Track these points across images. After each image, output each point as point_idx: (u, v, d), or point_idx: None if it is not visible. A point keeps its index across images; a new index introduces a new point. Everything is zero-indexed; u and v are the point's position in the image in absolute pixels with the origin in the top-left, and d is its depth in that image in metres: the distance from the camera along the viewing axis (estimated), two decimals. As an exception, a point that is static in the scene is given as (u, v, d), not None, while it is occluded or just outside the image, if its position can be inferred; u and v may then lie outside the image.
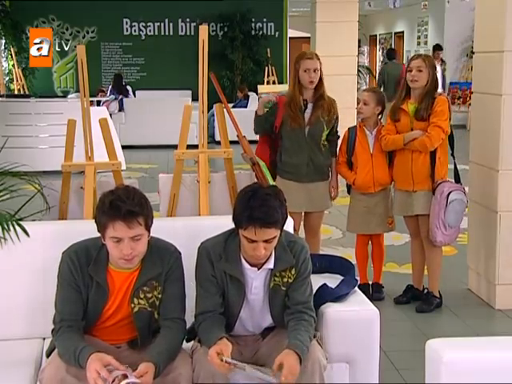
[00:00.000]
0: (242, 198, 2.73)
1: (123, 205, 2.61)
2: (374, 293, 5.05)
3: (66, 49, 16.25)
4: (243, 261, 2.82)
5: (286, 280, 2.86)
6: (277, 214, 2.67)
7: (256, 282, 2.85)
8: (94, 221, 2.75)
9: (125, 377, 2.50)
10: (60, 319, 2.73)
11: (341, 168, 5.01)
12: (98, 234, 2.75)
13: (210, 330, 2.77)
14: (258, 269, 2.83)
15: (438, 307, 4.88)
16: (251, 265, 2.82)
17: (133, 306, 2.77)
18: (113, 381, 2.48)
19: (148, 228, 2.71)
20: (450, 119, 4.67)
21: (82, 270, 2.74)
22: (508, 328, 4.58)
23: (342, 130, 5.31)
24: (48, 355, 2.81)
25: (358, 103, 5.09)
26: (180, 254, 2.86)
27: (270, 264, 2.82)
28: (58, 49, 16.02)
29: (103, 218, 2.65)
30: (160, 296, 2.80)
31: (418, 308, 4.85)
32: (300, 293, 2.86)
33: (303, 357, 2.64)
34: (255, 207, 2.65)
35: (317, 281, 3.10)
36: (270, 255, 2.81)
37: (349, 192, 5.19)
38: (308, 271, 2.90)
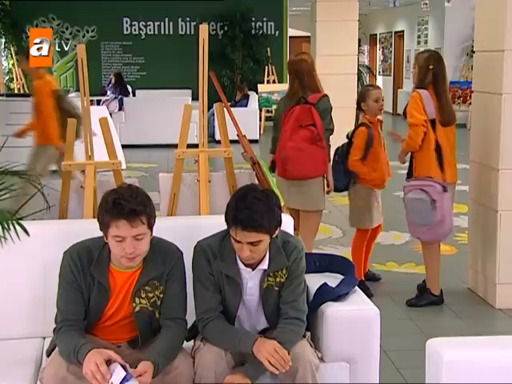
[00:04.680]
0: (233, 198, 2.76)
1: (126, 204, 2.61)
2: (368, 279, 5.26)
3: (66, 48, 16.24)
4: (238, 261, 2.82)
5: (278, 280, 2.86)
6: (261, 219, 2.65)
7: (251, 282, 2.85)
8: (94, 220, 2.75)
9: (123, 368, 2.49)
10: (62, 319, 2.73)
11: (358, 165, 5.02)
12: (99, 234, 2.75)
13: (228, 329, 2.79)
14: (253, 269, 2.83)
15: (435, 305, 4.89)
16: (246, 265, 2.82)
17: (134, 305, 2.77)
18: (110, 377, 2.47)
19: (151, 227, 2.71)
20: (425, 114, 4.70)
21: (84, 269, 2.74)
22: (508, 327, 4.58)
23: (341, 130, 5.38)
24: (48, 354, 2.81)
25: (359, 102, 5.09)
26: (182, 254, 2.86)
27: (264, 265, 2.82)
28: (57, 48, 16.01)
29: (106, 216, 2.65)
30: (161, 296, 2.80)
31: (407, 302, 4.91)
32: (288, 291, 2.85)
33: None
34: (240, 209, 2.66)
35: (317, 280, 3.10)
36: (265, 256, 2.81)
37: (346, 189, 5.18)
38: (300, 271, 2.88)
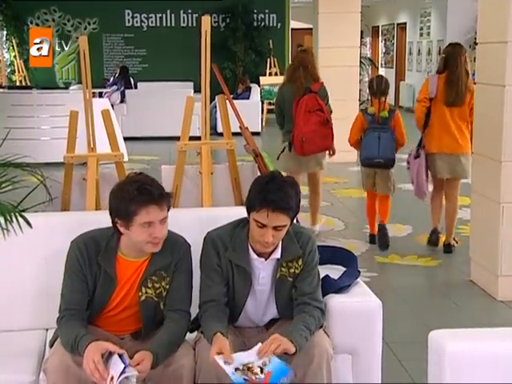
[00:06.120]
0: (259, 182, 2.77)
1: (153, 189, 2.65)
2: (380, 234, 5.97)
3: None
4: (251, 251, 2.82)
5: (292, 271, 2.86)
6: (291, 201, 2.69)
7: (263, 272, 2.85)
8: (97, 212, 2.76)
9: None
10: (64, 308, 2.74)
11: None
12: (102, 225, 2.75)
13: (209, 322, 2.76)
14: (266, 259, 2.83)
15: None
16: (258, 255, 2.82)
17: (140, 294, 2.78)
18: (111, 378, 2.46)
19: (169, 211, 2.74)
20: (427, 92, 5.68)
21: (90, 259, 2.75)
22: (510, 319, 4.58)
23: (343, 122, 5.52)
24: (51, 345, 2.81)
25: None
26: (190, 246, 2.87)
27: (277, 254, 2.83)
28: (58, 41, 15.99)
29: (132, 205, 2.63)
30: (167, 287, 2.81)
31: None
32: (306, 283, 2.86)
33: (298, 345, 2.64)
34: (271, 190, 2.67)
35: (319, 272, 3.09)
36: (277, 245, 2.81)
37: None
38: (315, 262, 2.90)
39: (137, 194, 2.63)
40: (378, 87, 5.83)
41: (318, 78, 5.96)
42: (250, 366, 2.56)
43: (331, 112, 5.93)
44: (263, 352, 2.60)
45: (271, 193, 2.67)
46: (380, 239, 5.91)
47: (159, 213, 2.65)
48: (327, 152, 6.10)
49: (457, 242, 5.92)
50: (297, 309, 2.84)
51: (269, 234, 2.70)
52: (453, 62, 5.60)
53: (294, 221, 3.24)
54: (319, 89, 5.78)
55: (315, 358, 2.70)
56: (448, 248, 5.86)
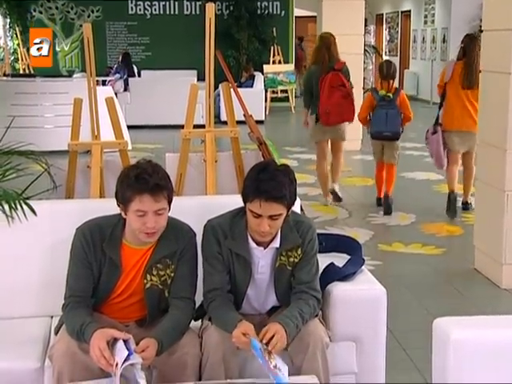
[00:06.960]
0: (252, 172, 2.75)
1: (150, 178, 2.63)
2: (385, 203, 6.71)
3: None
4: (250, 240, 2.82)
5: (292, 260, 2.86)
6: (284, 190, 2.67)
7: (263, 261, 2.85)
8: (101, 200, 2.76)
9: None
10: (69, 295, 2.75)
11: None
12: (107, 213, 2.75)
13: (223, 311, 2.76)
14: (265, 248, 2.83)
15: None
16: (257, 244, 2.82)
17: (145, 281, 2.78)
18: (116, 365, 2.47)
19: (170, 202, 2.73)
20: (447, 78, 6.41)
21: (95, 246, 2.75)
22: (514, 307, 4.59)
23: None
24: (56, 332, 2.82)
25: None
26: (195, 234, 2.87)
27: (276, 243, 2.82)
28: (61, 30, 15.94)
29: (128, 191, 2.65)
30: (172, 275, 2.81)
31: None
32: (304, 272, 2.86)
33: (288, 329, 2.65)
34: (263, 180, 2.66)
35: (324, 260, 3.10)
36: (276, 234, 2.81)
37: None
38: (314, 251, 2.89)
39: (134, 180, 2.64)
40: (387, 71, 6.57)
41: (339, 57, 6.71)
42: (270, 352, 2.56)
43: (352, 87, 6.75)
44: (266, 339, 2.60)
45: (263, 182, 2.65)
46: (385, 206, 6.71)
47: (153, 204, 2.63)
48: (347, 123, 6.81)
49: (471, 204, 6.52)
50: (294, 297, 2.85)
51: (264, 224, 2.69)
52: (470, 51, 6.25)
53: (299, 210, 3.25)
54: (342, 67, 6.62)
55: (310, 347, 2.71)
56: (466, 206, 6.69)
